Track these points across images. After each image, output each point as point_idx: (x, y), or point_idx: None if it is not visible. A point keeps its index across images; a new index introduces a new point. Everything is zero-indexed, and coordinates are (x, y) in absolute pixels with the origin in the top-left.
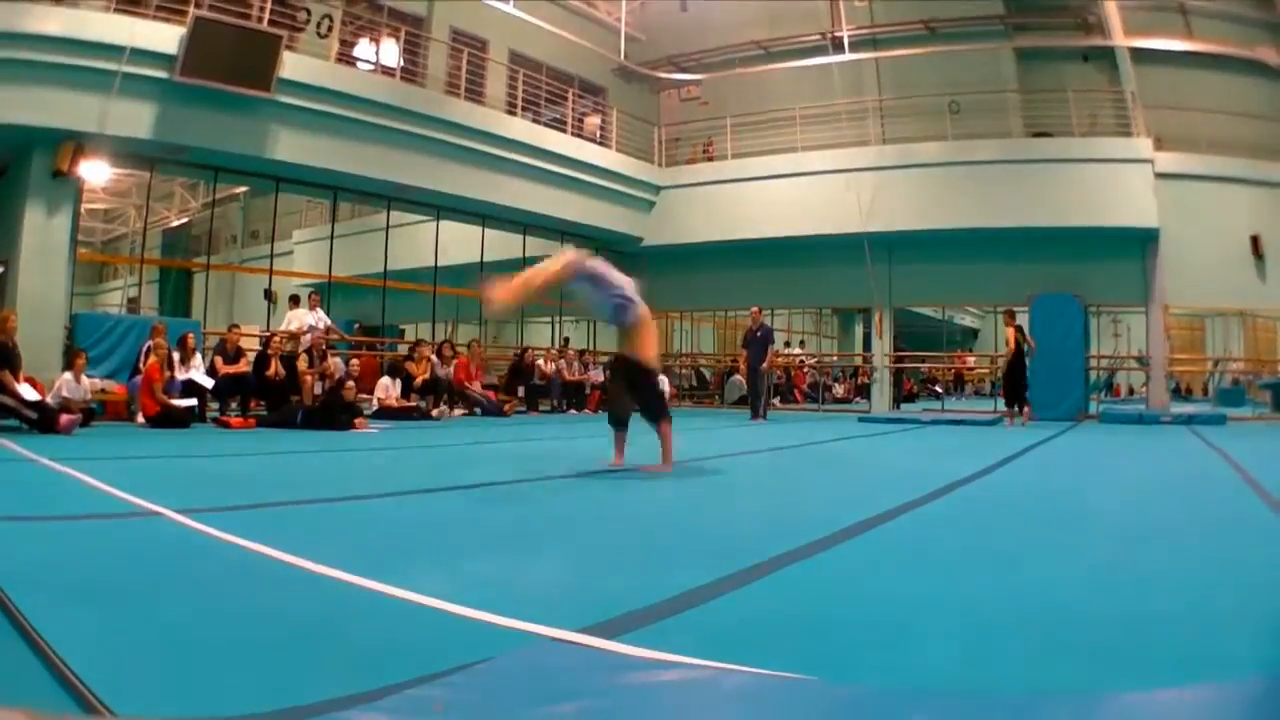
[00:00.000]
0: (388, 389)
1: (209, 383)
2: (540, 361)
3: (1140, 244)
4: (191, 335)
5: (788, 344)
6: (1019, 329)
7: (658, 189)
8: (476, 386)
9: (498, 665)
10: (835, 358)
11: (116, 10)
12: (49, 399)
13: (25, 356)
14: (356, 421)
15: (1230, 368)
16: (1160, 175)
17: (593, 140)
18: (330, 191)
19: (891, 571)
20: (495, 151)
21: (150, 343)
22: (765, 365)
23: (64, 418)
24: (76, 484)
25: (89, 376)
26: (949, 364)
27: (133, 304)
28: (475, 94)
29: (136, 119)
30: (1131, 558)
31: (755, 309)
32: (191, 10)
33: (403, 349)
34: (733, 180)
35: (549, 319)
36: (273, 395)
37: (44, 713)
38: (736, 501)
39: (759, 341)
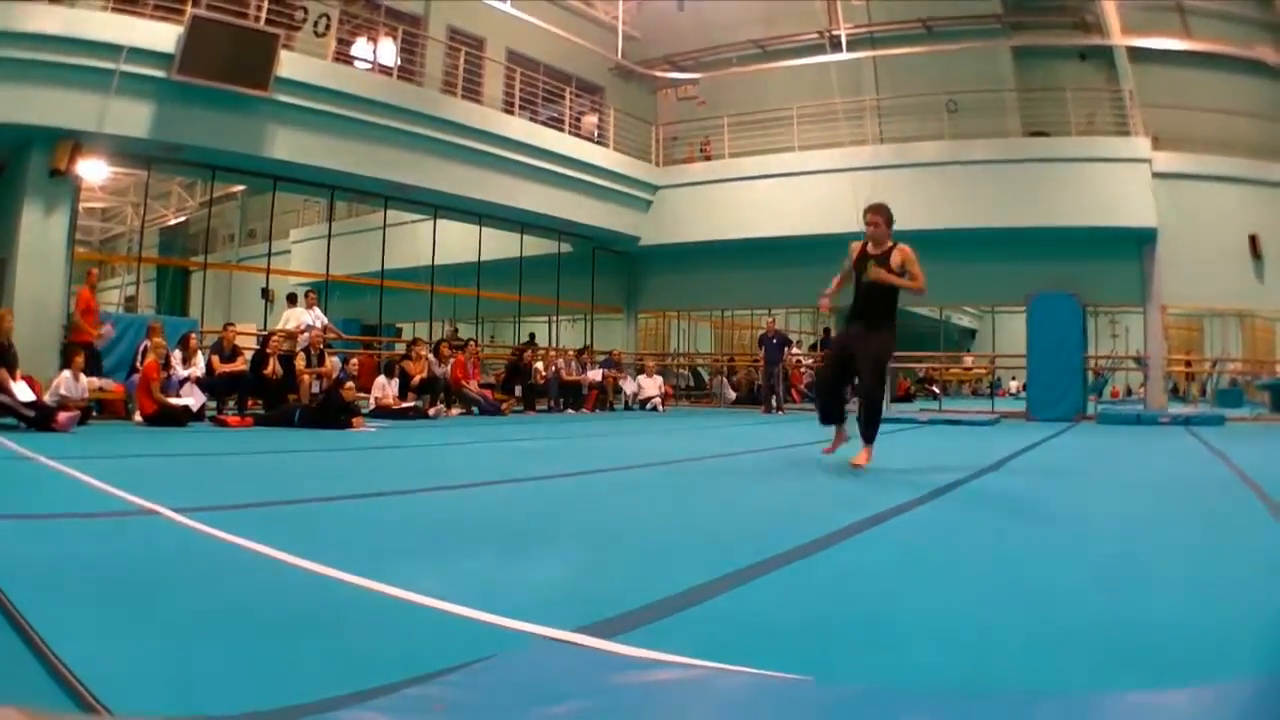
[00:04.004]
0: (384, 388)
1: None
2: (539, 365)
3: (1138, 244)
4: (194, 335)
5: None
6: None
7: (655, 188)
8: (473, 385)
9: (496, 664)
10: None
11: (114, 9)
12: (47, 397)
13: (22, 355)
14: (355, 421)
15: (1228, 368)
16: (1158, 175)
17: (590, 139)
18: (327, 190)
19: (889, 572)
20: (493, 150)
21: (147, 341)
22: (780, 364)
23: (62, 415)
24: (74, 482)
25: (86, 375)
26: (946, 364)
27: (130, 302)
28: (473, 93)
29: (134, 118)
30: (1130, 559)
31: (770, 320)
32: (189, 9)
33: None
34: (730, 179)
35: (545, 318)
36: (270, 394)
37: (42, 712)
38: (735, 500)
39: (775, 346)
